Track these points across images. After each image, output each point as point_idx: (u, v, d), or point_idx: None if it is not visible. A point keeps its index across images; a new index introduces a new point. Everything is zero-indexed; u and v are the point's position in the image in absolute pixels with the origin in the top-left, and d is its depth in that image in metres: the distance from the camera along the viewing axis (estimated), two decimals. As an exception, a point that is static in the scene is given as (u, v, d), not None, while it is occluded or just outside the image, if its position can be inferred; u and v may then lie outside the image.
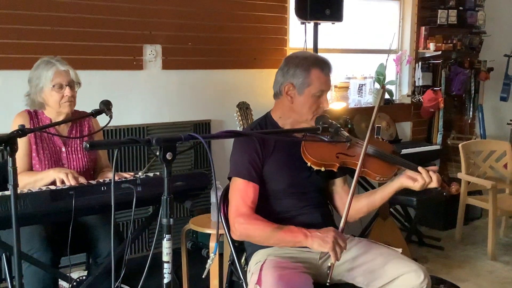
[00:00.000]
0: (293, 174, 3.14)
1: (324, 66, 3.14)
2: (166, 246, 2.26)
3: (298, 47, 5.79)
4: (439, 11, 6.95)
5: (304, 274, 2.98)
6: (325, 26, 5.74)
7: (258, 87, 5.57)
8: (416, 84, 7.08)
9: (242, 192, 3.06)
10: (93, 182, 3.44)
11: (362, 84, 6.69)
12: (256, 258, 3.10)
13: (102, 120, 3.51)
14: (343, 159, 3.12)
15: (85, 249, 3.84)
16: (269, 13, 5.73)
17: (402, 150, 5.74)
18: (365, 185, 5.90)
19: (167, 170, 2.22)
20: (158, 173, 3.63)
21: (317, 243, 2.88)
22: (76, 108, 3.81)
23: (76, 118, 3.80)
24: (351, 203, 3.02)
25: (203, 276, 2.78)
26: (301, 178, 3.17)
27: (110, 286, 3.46)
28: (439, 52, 7.01)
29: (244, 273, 3.21)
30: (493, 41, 7.67)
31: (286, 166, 3.14)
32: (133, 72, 5.00)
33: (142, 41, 5.01)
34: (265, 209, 3.10)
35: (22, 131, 2.66)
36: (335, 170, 3.12)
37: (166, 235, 2.25)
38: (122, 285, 4.07)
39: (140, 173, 3.47)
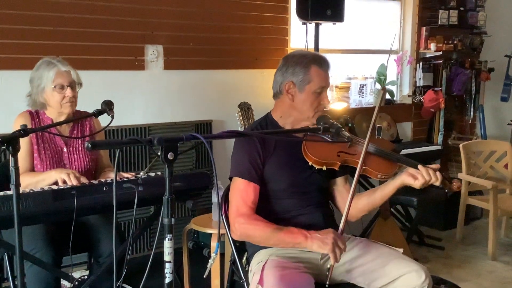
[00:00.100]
0: (294, 173, 3.15)
1: (322, 63, 3.16)
2: (167, 245, 2.26)
3: (299, 47, 5.78)
4: (440, 11, 6.96)
5: (305, 274, 2.99)
6: (326, 27, 5.75)
7: (259, 87, 5.59)
8: (417, 85, 7.09)
9: (242, 192, 3.06)
10: (95, 182, 3.44)
11: (363, 85, 6.70)
12: (258, 258, 3.10)
13: (104, 120, 3.51)
14: (344, 157, 3.13)
15: (87, 248, 3.84)
16: (270, 14, 5.74)
17: (403, 150, 5.75)
18: (365, 185, 5.90)
19: (168, 170, 2.22)
20: (159, 173, 3.62)
21: (316, 245, 2.89)
22: (78, 108, 3.82)
23: (77, 118, 3.80)
24: (351, 203, 3.02)
25: (205, 276, 2.75)
26: (302, 178, 3.17)
27: (112, 286, 3.49)
28: (440, 53, 7.02)
29: (245, 273, 3.21)
30: (493, 42, 7.68)
31: (287, 166, 3.14)
32: (134, 72, 5.00)
33: (143, 41, 5.01)
34: (266, 209, 3.10)
35: (24, 131, 2.67)
36: (336, 168, 3.13)
37: (168, 235, 2.25)
38: (124, 285, 4.09)
39: (141, 173, 3.48)
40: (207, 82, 5.42)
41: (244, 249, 3.30)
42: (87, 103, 3.79)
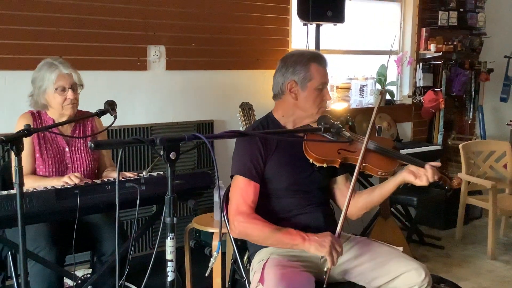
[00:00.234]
0: (295, 172, 3.16)
1: (321, 60, 3.21)
2: (169, 244, 2.27)
3: (300, 48, 5.81)
4: (440, 12, 6.98)
5: (306, 273, 3.00)
6: (327, 28, 5.76)
7: (261, 87, 5.59)
8: (417, 85, 7.11)
9: (242, 191, 3.07)
10: (98, 181, 3.45)
11: (364, 85, 6.72)
12: (259, 257, 3.11)
13: (106, 120, 3.53)
14: (345, 155, 3.14)
15: (89, 247, 3.86)
16: (272, 15, 5.76)
17: (403, 150, 5.76)
18: (365, 184, 5.91)
19: (170, 169, 2.23)
20: (161, 173, 3.65)
21: (314, 247, 2.89)
22: (80, 108, 3.83)
23: (79, 118, 3.81)
24: (349, 204, 3.03)
25: (206, 275, 2.76)
26: (303, 177, 3.18)
27: (114, 284, 3.48)
28: (440, 53, 7.04)
29: (247, 272, 3.22)
30: (493, 43, 7.70)
31: (288, 165, 3.15)
32: (137, 72, 5.01)
33: (146, 42, 5.02)
34: (267, 208, 3.11)
35: (28, 131, 2.69)
36: (337, 166, 3.14)
37: (170, 234, 2.26)
38: (126, 283, 4.11)
39: (144, 173, 3.49)
40: (209, 83, 5.44)
41: (245, 248, 3.31)
42: (90, 103, 3.81)
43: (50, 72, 3.62)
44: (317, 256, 3.05)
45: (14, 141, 2.57)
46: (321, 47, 5.66)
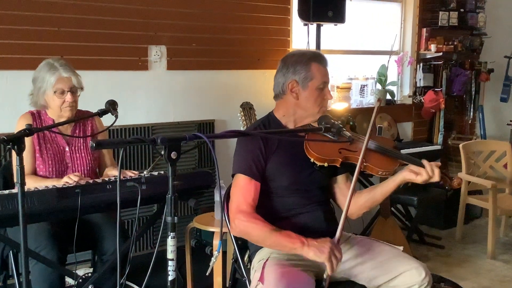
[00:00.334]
0: (296, 171, 3.16)
1: (321, 59, 3.21)
2: (170, 243, 2.27)
3: (301, 48, 5.82)
4: (440, 13, 6.99)
5: (306, 272, 3.01)
6: (327, 28, 5.78)
7: (261, 87, 5.60)
8: (417, 85, 7.13)
9: (243, 189, 3.07)
10: (99, 180, 3.46)
11: (364, 85, 6.73)
12: (260, 256, 3.11)
13: (108, 119, 3.53)
14: (346, 154, 3.14)
15: (90, 246, 3.86)
16: (272, 15, 5.77)
17: (404, 150, 5.77)
18: (365, 184, 5.92)
19: (171, 169, 2.23)
20: (162, 172, 3.66)
21: (312, 252, 2.86)
22: (81, 107, 3.85)
23: (80, 118, 3.82)
24: (349, 204, 3.01)
25: (207, 274, 2.76)
26: (304, 176, 3.18)
27: (115, 283, 3.51)
28: (440, 54, 7.05)
29: (247, 271, 3.23)
30: (493, 43, 7.70)
31: (289, 164, 3.15)
32: (138, 72, 5.03)
33: (147, 42, 5.04)
34: (267, 206, 3.11)
35: (29, 130, 2.69)
36: (338, 165, 3.15)
37: (171, 233, 2.26)
38: (127, 282, 4.10)
39: (145, 172, 3.51)
40: (209, 83, 5.45)
41: (246, 247, 3.31)
42: (91, 103, 3.82)
43: (50, 75, 3.62)
44: (317, 255, 3.08)
45: (16, 141, 2.57)
46: (322, 47, 5.67)
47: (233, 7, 5.51)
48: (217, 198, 4.29)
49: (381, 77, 6.72)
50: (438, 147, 7.00)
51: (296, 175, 3.16)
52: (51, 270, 3.44)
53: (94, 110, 3.54)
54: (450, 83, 7.26)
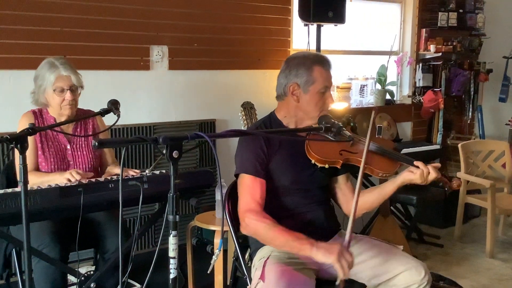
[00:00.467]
0: (297, 171, 3.16)
1: (325, 63, 3.17)
2: (172, 242, 2.28)
3: (301, 48, 5.83)
4: (440, 13, 7.02)
5: (306, 270, 3.02)
6: (327, 28, 5.79)
7: (262, 87, 5.62)
8: (417, 85, 7.15)
9: (250, 188, 3.06)
10: (101, 179, 3.47)
11: (364, 85, 6.76)
12: (260, 254, 3.11)
13: (110, 119, 3.53)
14: (346, 156, 3.15)
15: (93, 244, 3.87)
16: (273, 15, 5.79)
17: (403, 150, 5.81)
18: (365, 184, 5.92)
19: (173, 168, 2.23)
20: (164, 171, 3.67)
21: (321, 254, 2.81)
22: (83, 106, 3.87)
23: (83, 117, 3.83)
24: (357, 205, 2.96)
25: (208, 272, 2.76)
26: (305, 176, 3.19)
27: (117, 281, 3.56)
28: (439, 54, 7.08)
29: (248, 269, 3.23)
30: (492, 43, 7.73)
31: (291, 164, 3.16)
32: (140, 72, 5.05)
33: (149, 42, 5.05)
34: (269, 206, 3.09)
35: (32, 129, 2.70)
36: (338, 167, 3.15)
37: (172, 231, 2.27)
38: (129, 280, 4.15)
39: (147, 171, 3.52)
40: (211, 82, 5.47)
41: (247, 245, 3.31)
42: (93, 102, 3.84)
43: (50, 73, 3.63)
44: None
45: (19, 140, 2.58)
46: (322, 47, 5.69)
47: (234, 8, 5.52)
48: (218, 197, 4.29)
49: (381, 77, 6.75)
50: (437, 146, 7.01)
51: (297, 175, 3.17)
52: (53, 268, 3.44)
53: (96, 109, 3.55)
54: (449, 83, 7.28)
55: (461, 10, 7.25)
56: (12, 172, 3.83)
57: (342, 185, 3.38)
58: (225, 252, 4.32)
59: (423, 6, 7.11)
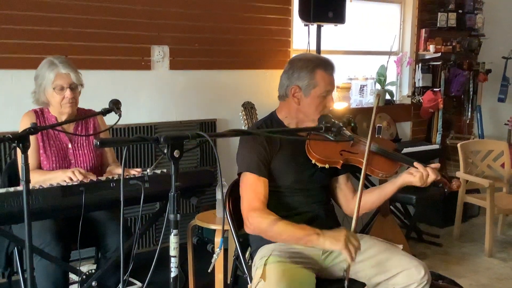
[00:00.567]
0: (298, 171, 3.18)
1: (327, 67, 3.17)
2: (173, 241, 2.30)
3: (302, 48, 5.86)
4: (439, 14, 7.03)
5: (307, 269, 3.02)
6: (328, 28, 5.81)
7: (263, 87, 5.63)
8: (416, 85, 7.16)
9: (253, 187, 3.07)
10: (102, 178, 3.47)
11: (364, 85, 6.76)
12: (261, 253, 3.11)
13: (111, 118, 3.54)
14: (347, 156, 3.17)
15: (94, 243, 3.87)
16: (274, 15, 5.80)
17: (403, 150, 5.82)
18: (367, 184, 5.92)
19: (174, 167, 2.25)
20: (165, 170, 3.67)
21: (329, 241, 2.86)
22: (84, 106, 3.89)
23: (84, 117, 3.85)
24: (360, 202, 3.01)
25: (209, 271, 2.79)
26: (305, 175, 3.20)
27: (119, 280, 3.56)
28: (439, 54, 7.09)
29: (249, 268, 3.23)
30: (491, 44, 7.74)
31: (292, 164, 3.17)
32: (141, 72, 5.06)
33: (150, 42, 5.07)
34: (270, 206, 3.09)
35: (34, 129, 2.72)
36: (339, 167, 3.17)
37: (173, 230, 2.28)
38: (130, 279, 4.16)
39: (148, 170, 3.54)
40: (211, 82, 5.48)
41: (247, 244, 3.32)
42: (95, 101, 3.85)
43: (49, 71, 3.65)
44: (318, 253, 3.10)
45: (21, 139, 2.60)
46: (322, 47, 5.71)
47: (234, 8, 5.54)
48: (218, 196, 4.30)
49: (381, 77, 6.76)
50: (437, 146, 7.04)
51: (299, 175, 3.19)
52: (55, 266, 3.44)
53: (97, 109, 3.56)
54: (448, 84, 7.29)
55: (460, 11, 7.27)
56: (14, 170, 3.84)
57: (342, 185, 3.39)
58: (225, 251, 4.34)
59: (422, 6, 7.11)
